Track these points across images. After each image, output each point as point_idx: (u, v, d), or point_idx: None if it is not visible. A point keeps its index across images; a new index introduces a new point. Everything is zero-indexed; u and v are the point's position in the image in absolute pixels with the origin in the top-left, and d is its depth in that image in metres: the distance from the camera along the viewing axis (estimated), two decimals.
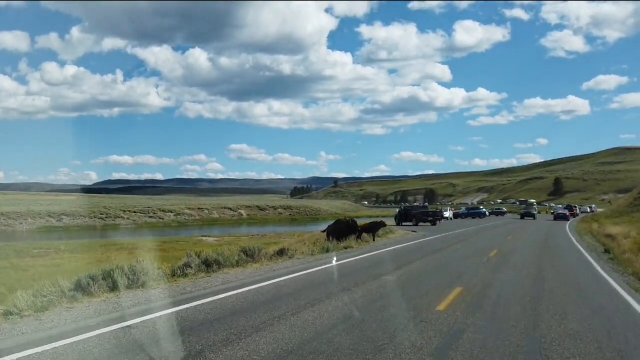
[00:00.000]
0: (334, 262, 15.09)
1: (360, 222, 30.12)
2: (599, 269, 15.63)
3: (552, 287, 11.46)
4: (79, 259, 24.49)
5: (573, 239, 30.01)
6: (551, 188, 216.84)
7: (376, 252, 19.09)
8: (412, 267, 14.44)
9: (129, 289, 10.06)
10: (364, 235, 24.95)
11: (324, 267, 14.03)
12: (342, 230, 23.10)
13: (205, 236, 42.82)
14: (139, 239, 43.39)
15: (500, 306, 9.13)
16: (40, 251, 28.68)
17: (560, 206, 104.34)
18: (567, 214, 65.08)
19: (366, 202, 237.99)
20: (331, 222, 26.34)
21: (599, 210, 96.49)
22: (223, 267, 13.11)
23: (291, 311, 8.10)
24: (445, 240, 26.90)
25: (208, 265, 12.91)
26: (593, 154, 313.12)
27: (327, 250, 19.36)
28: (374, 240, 24.88)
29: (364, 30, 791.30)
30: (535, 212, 71.92)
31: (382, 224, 26.48)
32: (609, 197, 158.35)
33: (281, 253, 16.55)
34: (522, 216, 67.94)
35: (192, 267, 12.33)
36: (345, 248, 20.90)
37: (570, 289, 11.37)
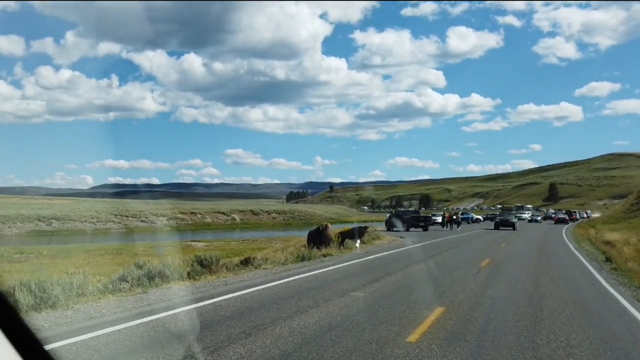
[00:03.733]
0: (302, 274, 13.22)
1: (347, 227, 28.44)
2: (602, 281, 13.87)
3: (552, 307, 9.65)
4: (58, 264, 22.96)
5: (570, 245, 28.30)
6: (546, 193, 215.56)
7: (355, 261, 17.22)
8: (390, 280, 12.58)
9: (34, 310, 8.19)
10: (347, 241, 23.13)
11: (287, 280, 12.13)
12: (321, 237, 21.25)
13: (195, 241, 41.20)
14: (125, 243, 41.76)
15: (489, 335, 7.31)
16: (21, 256, 27.41)
17: (537, 211, 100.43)
18: (567, 218, 71.40)
19: (366, 207, 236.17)
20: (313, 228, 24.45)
21: (594, 215, 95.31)
22: (169, 280, 11.23)
23: (214, 345, 6.20)
24: (434, 247, 25.05)
25: (150, 278, 11.04)
26: (587, 159, 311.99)
27: (303, 259, 17.51)
28: (357, 246, 23.02)
29: (358, 35, 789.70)
30: (517, 220, 51.69)
31: (365, 229, 24.65)
32: (606, 203, 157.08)
33: (246, 262, 14.67)
34: (497, 225, 48.47)
35: (127, 281, 10.45)
36: (324, 256, 19.02)
37: (574, 309, 9.56)
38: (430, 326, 7.67)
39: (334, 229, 25.81)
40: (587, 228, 46.58)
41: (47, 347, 1.69)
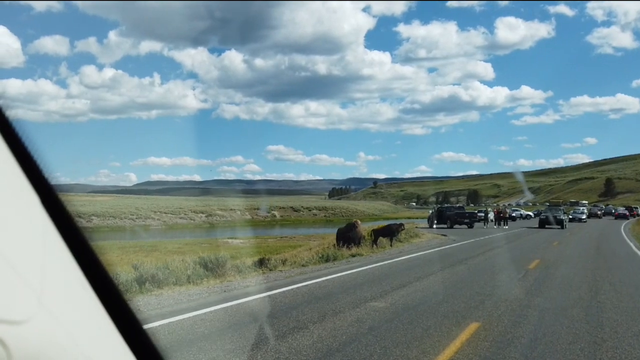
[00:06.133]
0: (319, 278, 11.67)
1: (381, 224, 26.73)
2: None
3: (615, 322, 7.78)
4: None
5: (631, 244, 25.66)
6: (602, 189, 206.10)
7: (384, 262, 15.53)
8: (420, 286, 10.88)
9: None
10: (381, 239, 21.47)
11: (298, 285, 10.60)
12: (350, 235, 19.66)
13: (232, 238, 40.48)
14: (162, 240, 41.63)
15: None
16: None
17: (580, 207, 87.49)
18: (627, 214, 70.25)
19: (414, 203, 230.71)
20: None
21: None
22: (163, 285, 9.94)
23: None
24: (477, 246, 22.98)
25: (141, 282, 9.77)
26: None
27: (327, 259, 15.99)
28: (391, 245, 21.32)
29: (402, 29, 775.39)
30: (566, 217, 45.25)
31: (401, 226, 22.92)
32: None
33: (260, 263, 13.28)
34: (542, 223, 42.04)
35: None
36: (353, 256, 17.43)
37: None
38: (458, 350, 6.02)
39: (369, 227, 24.25)
40: None
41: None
